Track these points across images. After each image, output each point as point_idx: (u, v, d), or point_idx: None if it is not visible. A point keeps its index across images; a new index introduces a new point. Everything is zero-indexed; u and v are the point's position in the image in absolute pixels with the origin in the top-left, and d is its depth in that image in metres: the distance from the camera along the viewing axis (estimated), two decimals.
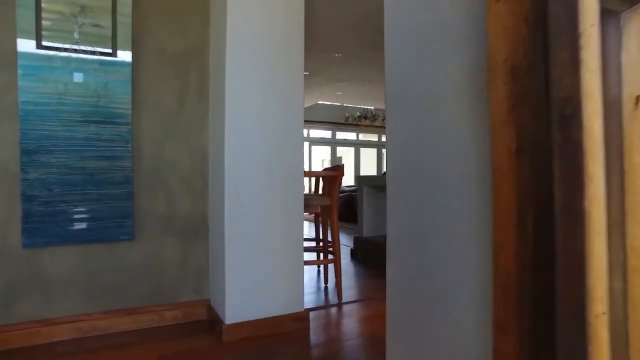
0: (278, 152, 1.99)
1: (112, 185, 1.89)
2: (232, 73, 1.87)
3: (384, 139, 13.32)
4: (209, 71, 2.16)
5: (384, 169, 13.70)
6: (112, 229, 1.89)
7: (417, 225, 0.62)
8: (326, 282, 2.99)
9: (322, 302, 2.53)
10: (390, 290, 0.73)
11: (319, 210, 2.80)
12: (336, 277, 2.59)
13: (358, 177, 4.16)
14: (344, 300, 2.52)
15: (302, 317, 2.01)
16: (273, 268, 1.97)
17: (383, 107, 10.95)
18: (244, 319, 1.88)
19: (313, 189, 3.53)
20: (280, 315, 1.96)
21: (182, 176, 2.09)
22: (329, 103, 10.77)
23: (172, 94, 2.07)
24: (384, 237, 4.00)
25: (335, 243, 2.59)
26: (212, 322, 2.01)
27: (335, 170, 2.69)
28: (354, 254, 4.02)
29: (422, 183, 0.61)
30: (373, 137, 13.13)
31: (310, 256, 3.57)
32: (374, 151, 13.27)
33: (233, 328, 1.84)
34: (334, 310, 2.37)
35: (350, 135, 12.61)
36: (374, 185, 4.04)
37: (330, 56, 4.82)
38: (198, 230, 2.13)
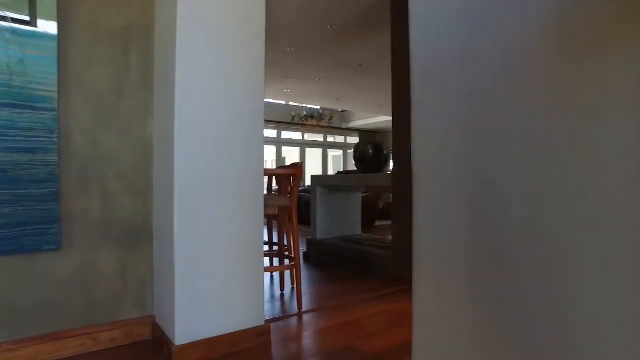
0: (236, 148, 1.76)
1: (31, 184, 1.55)
2: (184, 57, 1.62)
3: (329, 139, 13.32)
4: (154, 53, 1.88)
5: (330, 170, 13.66)
6: (32, 237, 1.55)
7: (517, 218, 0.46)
8: (282, 289, 2.78)
9: (280, 312, 2.33)
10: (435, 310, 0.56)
11: (275, 212, 2.59)
12: (296, 284, 2.40)
13: (312, 177, 3.99)
14: (303, 309, 2.34)
15: (263, 332, 1.80)
16: (230, 277, 1.73)
17: (330, 107, 10.89)
18: (197, 337, 1.63)
19: (265, 190, 3.31)
20: (239, 331, 1.73)
21: (121, 173, 1.78)
22: (275, 101, 10.52)
23: (110, 77, 1.76)
24: (339, 239, 3.90)
25: (295, 247, 2.41)
26: (158, 342, 1.73)
27: (294, 169, 2.50)
28: (307, 257, 3.86)
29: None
30: (319, 138, 13.07)
31: (265, 262, 3.35)
32: (319, 151, 13.22)
33: (185, 349, 1.58)
34: (294, 321, 2.18)
35: (296, 135, 12.44)
36: (328, 185, 3.90)
37: (281, 50, 4.60)
38: (140, 236, 1.83)
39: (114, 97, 1.77)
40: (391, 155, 3.78)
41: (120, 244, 1.77)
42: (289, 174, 2.54)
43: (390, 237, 4.39)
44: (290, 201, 2.44)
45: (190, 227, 1.63)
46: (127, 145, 1.80)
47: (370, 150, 3.59)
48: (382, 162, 3.62)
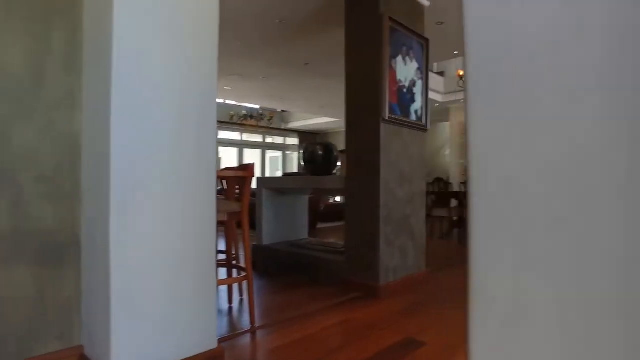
0: (186, 147, 1.54)
1: None
2: (123, 38, 1.37)
3: (268, 139, 13.05)
4: (83, 31, 1.58)
5: (268, 171, 13.37)
6: None
7: None
8: (230, 301, 2.56)
9: (231, 329, 2.11)
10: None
11: (225, 218, 2.36)
12: (248, 297, 2.18)
13: (258, 179, 3.78)
14: (257, 324, 2.14)
15: (216, 356, 1.59)
16: (178, 295, 1.50)
17: (272, 106, 10.62)
18: None
19: None
20: (189, 358, 1.51)
21: (40, 174, 1.46)
22: None
23: (24, 59, 1.44)
24: (286, 244, 3.72)
25: (247, 257, 2.20)
26: None
27: (245, 171, 2.29)
28: (253, 265, 3.63)
29: None
30: (257, 138, 12.75)
31: None
32: (258, 152, 12.90)
33: None
34: (248, 338, 1.97)
35: (234, 135, 12.01)
36: (275, 187, 3.71)
37: (227, 44, 4.31)
38: (65, 250, 1.52)
39: (30, 84, 1.45)
40: (341, 156, 3.69)
41: (38, 261, 1.45)
42: (239, 177, 2.33)
43: (335, 241, 4.31)
44: (241, 206, 2.23)
45: (130, 237, 1.38)
46: (49, 142, 1.49)
47: (320, 151, 3.47)
48: (332, 163, 3.51)
